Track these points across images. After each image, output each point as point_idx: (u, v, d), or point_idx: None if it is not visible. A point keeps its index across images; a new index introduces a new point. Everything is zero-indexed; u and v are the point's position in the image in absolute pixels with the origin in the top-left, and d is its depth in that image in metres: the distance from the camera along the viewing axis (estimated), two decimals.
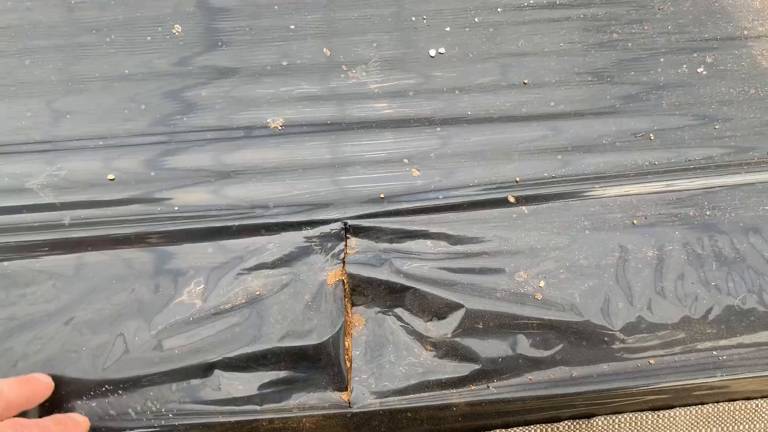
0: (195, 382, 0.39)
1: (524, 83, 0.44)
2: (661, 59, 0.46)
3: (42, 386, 0.37)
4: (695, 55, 0.46)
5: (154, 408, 0.38)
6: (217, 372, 0.39)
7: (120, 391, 0.38)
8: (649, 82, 0.45)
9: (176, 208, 0.42)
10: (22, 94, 0.43)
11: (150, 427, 0.38)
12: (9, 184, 0.41)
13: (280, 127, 0.43)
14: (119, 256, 0.40)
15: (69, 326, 0.39)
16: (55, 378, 0.38)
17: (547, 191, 0.43)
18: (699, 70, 0.46)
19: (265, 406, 0.38)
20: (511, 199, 0.43)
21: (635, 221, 0.43)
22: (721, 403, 0.42)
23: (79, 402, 0.38)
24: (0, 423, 0.31)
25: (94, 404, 0.38)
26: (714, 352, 0.41)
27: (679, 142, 0.44)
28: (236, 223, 0.41)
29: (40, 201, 0.41)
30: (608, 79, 0.45)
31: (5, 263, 0.40)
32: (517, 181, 0.43)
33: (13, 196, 0.41)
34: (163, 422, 0.38)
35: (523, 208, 0.43)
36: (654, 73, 0.45)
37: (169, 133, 0.43)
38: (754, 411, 0.42)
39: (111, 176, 0.42)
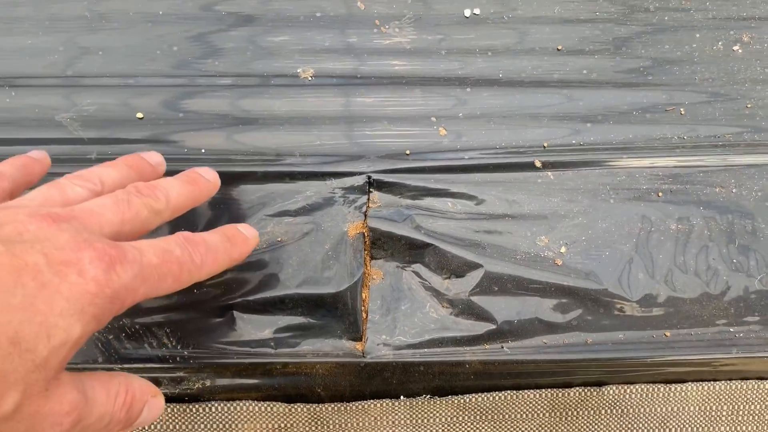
0: (212, 321, 0.39)
1: (557, 49, 0.44)
2: (697, 35, 0.45)
3: (208, 186, 0.36)
4: (732, 32, 0.45)
5: (170, 344, 0.39)
6: (234, 314, 0.39)
7: (137, 326, 0.39)
8: (683, 57, 0.45)
9: (203, 151, 0.42)
10: (56, 29, 0.43)
11: (164, 362, 0.38)
12: (38, 116, 0.42)
13: (310, 78, 0.43)
14: None
15: None
16: None
17: (574, 158, 0.43)
18: (735, 48, 0.45)
19: (280, 350, 0.39)
20: (538, 164, 0.42)
21: (660, 194, 0.42)
22: (734, 381, 0.42)
23: (95, 334, 0.38)
24: (168, 238, 0.30)
25: (110, 337, 0.39)
26: (731, 329, 0.41)
27: (710, 118, 0.44)
28: (261, 169, 0.41)
29: (69, 135, 0.42)
30: (642, 51, 0.45)
31: None
32: (544, 147, 0.43)
33: (42, 128, 0.42)
34: (178, 358, 0.38)
35: (549, 173, 0.42)
36: (689, 48, 0.45)
37: (198, 76, 0.43)
38: (766, 391, 0.41)
39: (140, 114, 0.42)
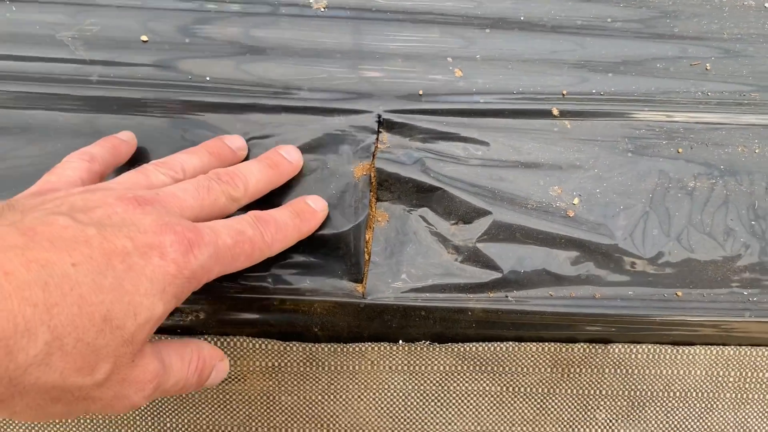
0: None
1: None
2: None
3: (290, 168, 0.37)
4: None
5: None
6: None
7: None
8: (711, 11, 0.43)
9: (207, 79, 0.40)
10: None
11: None
12: (39, 33, 0.40)
13: (323, 9, 0.41)
14: (144, 120, 0.39)
15: None
16: None
17: (593, 108, 0.41)
18: (767, 4, 0.43)
19: (278, 286, 0.37)
20: (555, 112, 0.41)
21: (680, 150, 0.41)
22: (743, 347, 0.40)
23: None
24: (241, 218, 0.32)
25: None
26: (745, 293, 0.39)
27: (736, 75, 0.42)
28: (267, 101, 0.40)
29: (70, 55, 0.40)
30: (670, 3, 0.43)
31: (28, 112, 0.39)
32: (563, 95, 0.41)
33: (42, 45, 0.40)
34: None
35: (566, 122, 0.41)
36: (719, 1, 0.43)
37: (206, 2, 0.41)
38: None
39: (144, 38, 0.40)
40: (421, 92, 0.41)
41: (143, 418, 0.39)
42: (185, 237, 0.28)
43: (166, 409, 0.39)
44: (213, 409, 0.39)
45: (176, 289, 0.27)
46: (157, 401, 0.39)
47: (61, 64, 0.40)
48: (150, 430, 0.39)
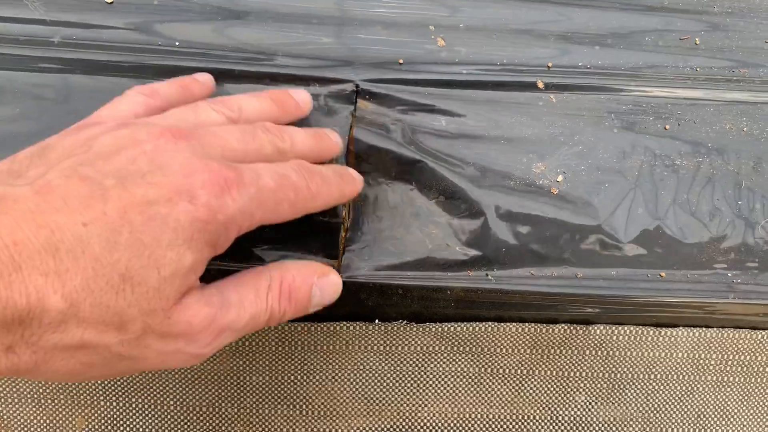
0: None
1: None
2: None
3: (332, 147, 0.34)
4: None
5: None
6: None
7: None
8: None
9: (177, 43, 0.38)
10: None
11: None
12: None
13: None
14: (110, 83, 0.37)
15: None
16: None
17: (579, 81, 0.40)
18: None
19: (249, 262, 0.36)
20: (540, 85, 0.39)
21: (667, 126, 0.40)
22: (726, 329, 0.39)
23: None
24: (284, 163, 0.29)
25: None
26: (729, 274, 0.39)
27: (726, 51, 0.41)
28: (239, 67, 0.38)
29: (30, 15, 0.38)
30: None
31: None
32: (548, 67, 0.39)
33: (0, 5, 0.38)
34: None
35: (551, 96, 0.39)
36: None
37: None
38: (758, 342, 0.40)
39: None
40: (401, 61, 0.39)
41: (108, 395, 0.37)
42: (221, 176, 0.25)
43: (134, 386, 0.37)
44: (181, 388, 0.37)
45: (209, 236, 0.25)
46: (125, 378, 0.37)
47: (20, 25, 0.37)
48: (116, 407, 0.37)
